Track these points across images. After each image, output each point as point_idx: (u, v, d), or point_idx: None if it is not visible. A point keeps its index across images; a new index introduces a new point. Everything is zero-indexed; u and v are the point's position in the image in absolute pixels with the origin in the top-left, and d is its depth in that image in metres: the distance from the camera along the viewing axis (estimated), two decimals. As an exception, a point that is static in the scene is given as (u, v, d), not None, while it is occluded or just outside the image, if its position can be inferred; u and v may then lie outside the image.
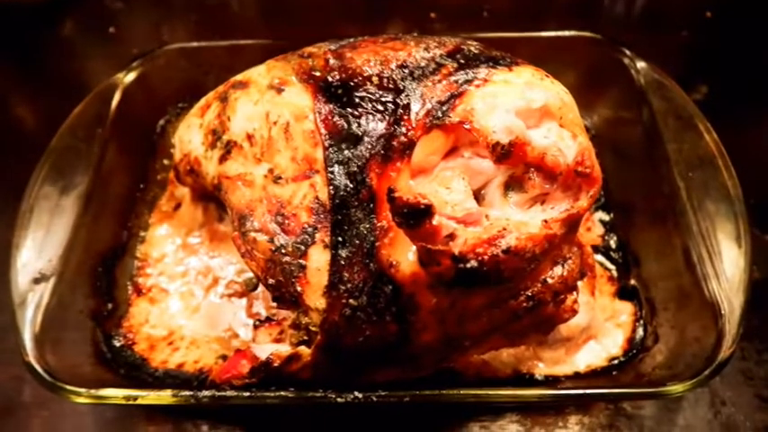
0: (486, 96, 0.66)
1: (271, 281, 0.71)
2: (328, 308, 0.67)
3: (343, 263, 0.67)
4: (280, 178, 0.72)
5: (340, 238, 0.67)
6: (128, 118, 0.96)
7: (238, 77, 0.82)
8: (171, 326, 0.85)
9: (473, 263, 0.60)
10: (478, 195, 0.69)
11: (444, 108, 0.67)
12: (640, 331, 0.83)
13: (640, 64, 0.93)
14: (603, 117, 1.02)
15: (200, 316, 0.86)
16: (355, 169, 0.68)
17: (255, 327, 0.73)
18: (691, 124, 0.88)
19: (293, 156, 0.72)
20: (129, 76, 0.98)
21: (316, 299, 0.68)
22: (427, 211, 0.59)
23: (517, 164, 0.64)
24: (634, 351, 0.81)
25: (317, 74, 0.74)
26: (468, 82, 0.68)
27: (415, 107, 0.68)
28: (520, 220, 0.62)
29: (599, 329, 0.81)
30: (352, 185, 0.68)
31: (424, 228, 0.60)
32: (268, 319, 0.73)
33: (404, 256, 0.65)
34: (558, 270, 0.66)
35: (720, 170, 0.85)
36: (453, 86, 0.68)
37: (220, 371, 0.73)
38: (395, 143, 0.67)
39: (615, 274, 0.88)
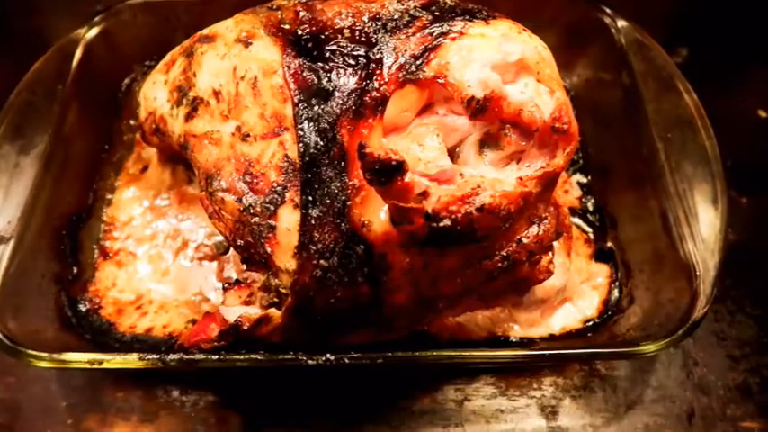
0: (461, 50, 0.64)
1: (239, 242, 0.69)
2: (298, 269, 0.65)
3: (313, 223, 0.65)
4: (248, 136, 0.70)
5: (310, 198, 0.65)
6: (90, 76, 0.92)
7: (205, 31, 0.78)
8: (139, 290, 0.83)
9: (446, 221, 0.58)
10: (453, 153, 0.67)
11: (418, 62, 0.65)
12: (616, 293, 0.83)
13: (621, 23, 0.91)
14: (583, 78, 1.00)
15: (169, 280, 0.84)
16: (326, 126, 0.65)
17: (225, 289, 0.71)
18: (670, 85, 0.87)
19: (261, 113, 0.69)
20: (92, 32, 0.94)
21: (286, 260, 0.66)
22: (399, 168, 0.57)
23: (492, 120, 0.62)
24: (609, 313, 0.81)
25: (287, 27, 0.71)
26: (443, 35, 0.65)
27: (387, 61, 0.66)
28: (495, 177, 0.60)
29: (575, 291, 0.81)
30: (322, 143, 0.65)
31: (395, 185, 0.58)
32: (237, 282, 0.71)
33: (375, 215, 0.63)
34: (533, 230, 0.64)
35: (699, 131, 0.84)
36: (428, 39, 0.65)
37: (189, 334, 0.71)
38: (367, 99, 0.65)
39: (592, 236, 0.87)
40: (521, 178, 0.60)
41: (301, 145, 0.66)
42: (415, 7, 0.68)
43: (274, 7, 0.75)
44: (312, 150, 0.65)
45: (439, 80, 0.63)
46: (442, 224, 0.58)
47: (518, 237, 0.64)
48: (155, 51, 1.01)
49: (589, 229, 0.88)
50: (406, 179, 0.58)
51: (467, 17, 0.67)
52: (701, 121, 0.84)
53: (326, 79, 0.67)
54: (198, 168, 0.74)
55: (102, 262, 0.85)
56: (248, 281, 0.70)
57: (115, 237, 0.87)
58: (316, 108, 0.66)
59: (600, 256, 0.86)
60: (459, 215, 0.58)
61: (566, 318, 0.80)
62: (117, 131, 0.96)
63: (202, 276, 0.84)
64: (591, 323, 0.81)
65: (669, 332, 0.72)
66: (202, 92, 0.74)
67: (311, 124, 0.66)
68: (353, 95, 0.65)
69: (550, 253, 0.68)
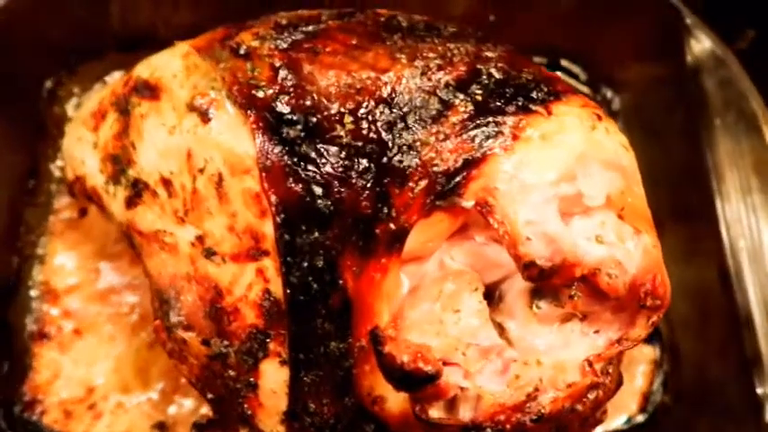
0: (515, 167, 0.45)
1: (210, 395, 0.53)
2: (289, 439, 0.51)
3: (307, 390, 0.49)
4: (214, 254, 0.51)
5: (302, 356, 0.49)
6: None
7: (143, 73, 0.55)
8: (89, 382, 0.68)
9: (489, 431, 0.44)
10: (494, 291, 0.51)
11: (454, 183, 0.45)
12: (659, 384, 0.71)
13: (701, 35, 0.70)
14: (640, 85, 0.80)
15: (126, 368, 0.69)
16: (321, 264, 0.48)
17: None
18: (753, 127, 0.68)
19: (230, 224, 0.50)
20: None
21: (272, 425, 0.51)
22: (431, 379, 0.41)
23: (556, 282, 0.45)
24: (650, 410, 0.70)
25: (261, 94, 0.49)
26: (488, 139, 0.46)
27: (409, 176, 0.46)
28: (555, 360, 0.45)
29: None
30: (317, 286, 0.48)
31: (424, 392, 0.42)
32: (211, 424, 0.57)
33: (391, 390, 0.48)
34: (591, 395, 0.50)
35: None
36: (467, 146, 0.46)
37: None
38: (378, 231, 0.46)
39: (635, 309, 0.74)
40: (589, 362, 0.45)
41: (288, 287, 0.48)
42: (447, 84, 0.47)
43: (241, 51, 0.52)
44: (303, 295, 0.48)
45: (485, 213, 0.44)
46: (483, 433, 0.44)
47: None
48: (82, 42, 0.76)
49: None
50: (440, 383, 0.42)
51: (521, 102, 0.47)
52: (789, 179, 0.67)
53: (322, 194, 0.47)
54: (148, 277, 0.56)
55: (39, 346, 0.69)
56: (225, 426, 0.56)
57: (52, 311, 0.70)
58: (306, 236, 0.48)
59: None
60: (508, 426, 0.43)
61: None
62: (41, 157, 0.75)
63: (170, 362, 0.69)
64: (632, 422, 0.69)
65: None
66: (147, 175, 0.54)
67: (301, 258, 0.48)
68: (360, 225, 0.47)
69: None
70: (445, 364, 0.43)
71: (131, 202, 0.55)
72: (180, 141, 0.52)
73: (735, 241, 0.68)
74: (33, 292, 0.70)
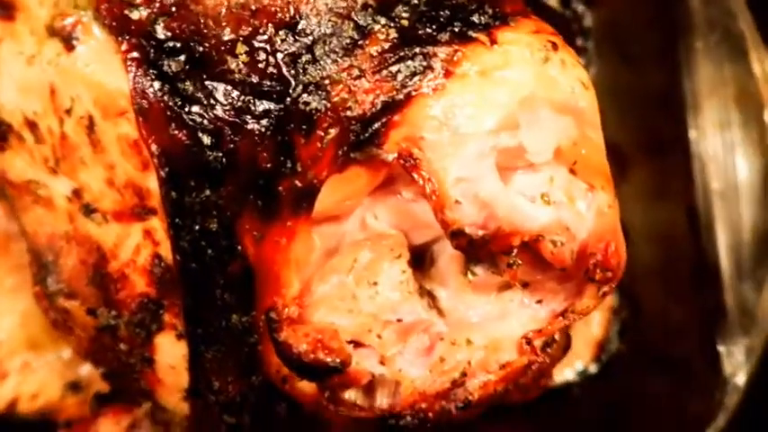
0: (447, 110, 0.36)
1: (102, 369, 0.47)
2: (195, 419, 0.45)
3: (209, 366, 0.43)
4: (93, 211, 0.43)
5: (200, 330, 0.42)
6: None
7: (-1, -16, 0.45)
8: (-7, 338, 0.62)
9: (409, 419, 0.38)
10: (425, 253, 0.44)
11: (371, 130, 0.37)
12: (616, 333, 0.66)
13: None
14: (610, 5, 0.69)
15: (33, 321, 0.62)
16: (216, 227, 0.40)
17: (92, 410, 0.51)
18: (739, 48, 0.60)
19: (109, 177, 0.42)
20: None
21: (174, 402, 0.45)
22: (335, 371, 0.34)
23: (492, 250, 0.38)
24: (604, 360, 0.66)
25: (136, 16, 0.39)
26: (415, 76, 0.37)
27: (318, 120, 0.38)
28: (487, 338, 0.38)
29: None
30: (212, 252, 0.40)
31: (331, 381, 0.36)
32: (114, 397, 0.51)
33: (303, 368, 0.42)
34: (534, 365, 0.45)
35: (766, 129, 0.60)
36: (388, 85, 0.37)
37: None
38: (281, 189, 0.38)
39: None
40: (527, 339, 0.38)
41: (178, 253, 0.40)
42: (365, 7, 0.37)
43: (113, -42, 0.42)
44: (195, 262, 0.40)
45: (408, 168, 0.36)
46: (402, 422, 0.38)
47: (510, 377, 0.45)
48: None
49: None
50: (349, 371, 0.36)
51: (458, 28, 0.38)
52: (771, 111, 0.59)
53: (212, 144, 0.38)
54: (24, 235, 0.48)
55: (-69, 302, 0.62)
56: (128, 401, 0.50)
57: (-56, 263, 0.62)
58: (196, 194, 0.39)
59: (602, 280, 0.67)
60: (431, 414, 0.38)
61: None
62: None
63: (78, 320, 0.63)
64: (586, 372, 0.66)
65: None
66: (8, 114, 0.44)
67: (192, 220, 0.40)
68: (259, 181, 0.38)
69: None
70: (357, 346, 0.37)
71: (-2, 147, 0.46)
72: (40, 74, 0.41)
73: (707, 181, 0.62)
74: None
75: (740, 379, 0.55)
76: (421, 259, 0.43)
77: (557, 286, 0.40)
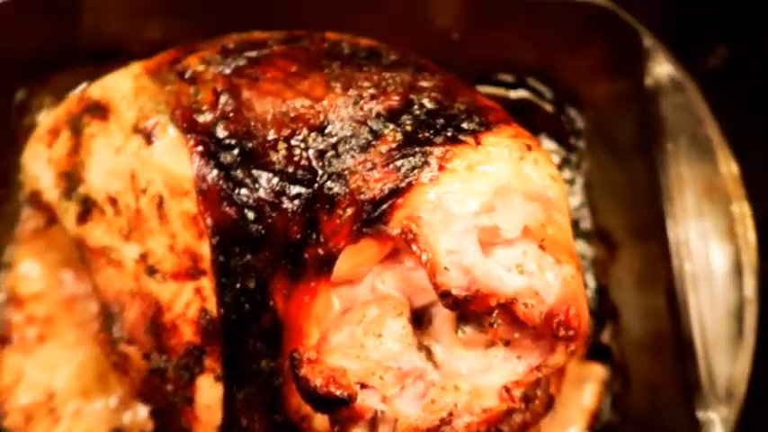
0: (440, 197, 0.46)
1: (150, 407, 0.55)
2: (224, 453, 0.53)
3: (239, 406, 0.51)
4: (155, 272, 0.53)
5: (234, 373, 0.51)
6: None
7: (95, 93, 0.57)
8: (50, 387, 0.70)
9: (405, 453, 0.45)
10: (423, 315, 0.52)
11: (380, 211, 0.47)
12: (608, 404, 0.72)
13: (659, 55, 0.70)
14: (597, 112, 0.80)
15: (87, 374, 0.71)
16: (253, 286, 0.49)
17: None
18: (708, 151, 0.69)
19: (171, 244, 0.52)
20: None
21: (208, 438, 0.53)
22: (344, 402, 0.42)
23: (474, 310, 0.46)
24: (597, 429, 0.71)
25: (201, 118, 0.51)
26: (415, 169, 0.47)
27: (338, 202, 0.48)
28: (472, 386, 0.46)
29: (558, 405, 0.69)
30: (249, 306, 0.49)
31: (339, 414, 0.44)
32: (155, 435, 0.59)
33: (318, 409, 0.49)
34: (517, 417, 0.52)
35: (732, 217, 0.68)
36: (394, 176, 0.47)
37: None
38: (307, 256, 0.48)
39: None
40: (507, 388, 0.46)
41: (221, 308, 0.50)
42: (378, 115, 0.48)
43: (187, 75, 0.54)
44: (235, 315, 0.50)
45: (408, 241, 0.46)
46: (399, 456, 0.45)
47: (497, 426, 0.52)
48: (52, 54, 0.78)
49: (585, 318, 0.75)
50: (355, 405, 0.43)
51: (450, 133, 0.48)
52: (737, 204, 0.67)
53: (254, 218, 0.49)
54: (96, 292, 0.58)
55: (2, 351, 0.71)
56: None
57: (17, 319, 0.72)
58: (239, 258, 0.49)
59: (594, 352, 0.74)
60: (423, 448, 0.45)
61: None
62: (11, 167, 0.77)
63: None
64: (576, 440, 0.71)
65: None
66: (95, 193, 0.55)
67: (234, 279, 0.50)
68: (290, 249, 0.48)
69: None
70: (363, 387, 0.44)
71: (82, 219, 0.57)
72: (125, 162, 0.53)
73: (683, 265, 0.69)
74: (-1, 299, 0.73)
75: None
76: (420, 319, 0.51)
77: (532, 344, 0.47)
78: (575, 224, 0.78)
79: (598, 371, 0.72)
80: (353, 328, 0.47)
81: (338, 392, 0.41)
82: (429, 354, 0.50)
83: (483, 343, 0.49)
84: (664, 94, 0.72)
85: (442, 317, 0.49)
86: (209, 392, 0.52)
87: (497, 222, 0.44)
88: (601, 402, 0.71)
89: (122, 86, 0.56)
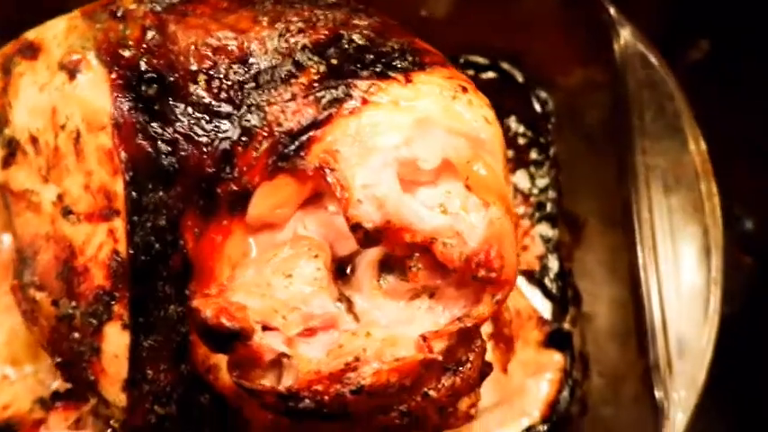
0: (358, 132, 0.43)
1: (58, 359, 0.52)
2: (129, 409, 0.49)
3: (146, 355, 0.47)
4: (70, 212, 0.50)
5: (141, 320, 0.47)
6: None
7: (30, 35, 0.55)
8: (-21, 352, 0.67)
9: (308, 402, 0.41)
10: (346, 264, 0.49)
11: (296, 144, 0.44)
12: (566, 394, 0.67)
13: (625, 32, 0.67)
14: (565, 92, 0.78)
15: (18, 339, 0.68)
16: (164, 224, 0.46)
17: (48, 407, 0.56)
18: (675, 128, 0.66)
19: (86, 183, 0.49)
20: None
21: (114, 393, 0.49)
22: (236, 335, 0.39)
23: (392, 248, 0.43)
24: (554, 420, 0.66)
25: (127, 53, 0.49)
26: (336, 102, 0.44)
27: (254, 135, 0.45)
28: (387, 333, 0.42)
29: (514, 392, 0.65)
30: (159, 246, 0.46)
31: (235, 353, 0.40)
32: (66, 396, 0.56)
33: (225, 358, 0.46)
34: (446, 380, 0.47)
35: (700, 196, 0.64)
36: (314, 107, 0.44)
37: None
38: (219, 191, 0.45)
39: (548, 314, 0.70)
40: (424, 338, 0.42)
41: (131, 247, 0.47)
42: (304, 47, 0.46)
43: (118, 13, 0.52)
44: (144, 255, 0.47)
45: (324, 175, 0.43)
46: (301, 405, 0.41)
47: (424, 389, 0.47)
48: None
49: (546, 304, 0.71)
50: (252, 344, 0.40)
51: (379, 69, 0.45)
52: (705, 183, 0.64)
53: (167, 152, 0.46)
54: (14, 238, 0.55)
55: (-67, 313, 0.69)
56: (78, 399, 0.54)
57: (-48, 279, 0.70)
58: (152, 195, 0.46)
59: (554, 339, 0.69)
60: (327, 397, 0.41)
61: (501, 422, 0.65)
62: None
63: (58, 339, 0.68)
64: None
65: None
66: (19, 133, 0.53)
67: (146, 217, 0.47)
68: (202, 184, 0.45)
69: (473, 393, 0.51)
70: (265, 328, 0.41)
71: (6, 162, 0.54)
72: (47, 98, 0.51)
73: (649, 250, 0.65)
74: (-65, 259, 0.70)
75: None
76: (343, 271, 0.48)
77: (456, 293, 0.43)
78: (540, 206, 0.74)
79: (557, 359, 0.68)
80: (262, 267, 0.43)
81: (229, 324, 0.37)
82: (350, 305, 0.46)
83: (406, 294, 0.45)
84: (632, 72, 0.69)
85: (365, 265, 0.46)
86: (116, 341, 0.48)
87: (415, 152, 0.41)
88: (559, 392, 0.67)
89: (57, 27, 0.54)
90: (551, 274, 0.72)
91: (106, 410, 0.52)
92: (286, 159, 0.44)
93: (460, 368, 0.47)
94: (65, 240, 0.50)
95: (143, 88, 0.48)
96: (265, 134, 0.44)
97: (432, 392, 0.47)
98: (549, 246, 0.73)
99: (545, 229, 0.74)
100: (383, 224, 0.40)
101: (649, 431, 0.59)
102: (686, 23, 0.87)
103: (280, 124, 0.44)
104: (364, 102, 0.44)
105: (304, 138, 0.43)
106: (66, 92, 0.50)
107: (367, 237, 0.40)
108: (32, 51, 0.54)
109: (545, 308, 0.70)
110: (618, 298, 0.67)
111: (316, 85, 0.44)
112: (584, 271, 0.71)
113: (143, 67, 0.48)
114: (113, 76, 0.48)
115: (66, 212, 0.50)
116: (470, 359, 0.48)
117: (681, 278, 0.61)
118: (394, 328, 0.44)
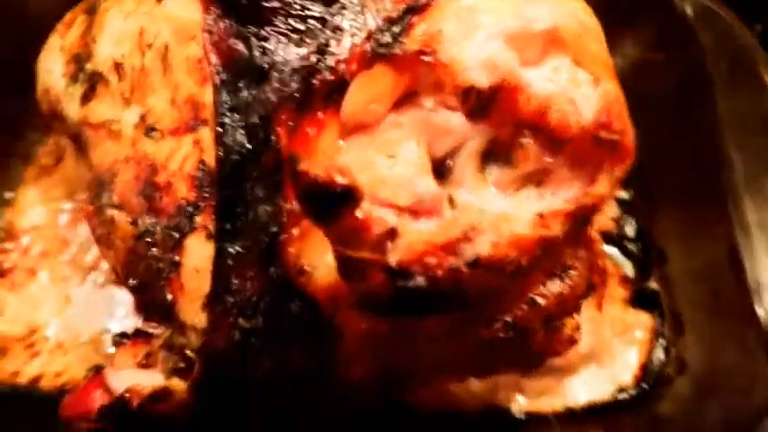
0: (460, 12, 0.42)
1: (132, 281, 0.49)
2: (210, 327, 0.45)
3: (231, 263, 0.44)
4: (153, 129, 0.49)
5: (228, 226, 0.45)
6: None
7: (115, -19, 0.58)
8: (33, 322, 0.64)
9: (420, 279, 0.38)
10: (444, 167, 0.46)
11: (395, 29, 0.43)
12: (660, 354, 0.62)
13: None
14: (629, 59, 0.77)
15: (72, 310, 0.65)
16: (257, 121, 0.45)
17: (116, 344, 0.52)
18: (752, 73, 0.65)
19: (173, 97, 0.49)
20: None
21: (193, 313, 0.46)
22: (347, 197, 0.36)
23: (502, 123, 0.41)
24: (650, 382, 0.60)
25: (214, -23, 0.50)
26: (434, -10, 0.44)
27: (350, 26, 0.45)
28: (501, 211, 0.40)
29: (606, 349, 0.60)
30: (250, 146, 0.45)
31: (343, 222, 0.37)
32: (135, 334, 0.52)
33: (320, 257, 0.42)
34: (553, 286, 0.44)
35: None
36: (410, -4, 0.44)
37: (70, 402, 0.52)
38: (316, 82, 0.44)
39: (631, 273, 0.66)
40: (541, 215, 0.39)
41: (221, 147, 0.45)
42: (395, -52, 0.47)
43: (203, -51, 0.54)
44: (235, 156, 0.45)
45: (425, 57, 0.42)
46: (412, 283, 0.38)
47: (531, 296, 0.44)
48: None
49: (627, 263, 0.67)
50: (360, 213, 0.37)
51: (471, -35, 0.46)
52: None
53: (261, 51, 0.45)
54: (91, 170, 0.54)
55: (-10, 282, 0.66)
56: (149, 333, 0.50)
57: (10, 249, 0.67)
58: (245, 93, 0.45)
59: (640, 300, 0.65)
60: (440, 272, 0.38)
61: (591, 386, 0.60)
62: (29, 112, 0.76)
63: (115, 307, 0.64)
64: (625, 395, 0.60)
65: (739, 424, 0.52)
66: (101, 64, 0.53)
67: (237, 118, 0.45)
68: (297, 77, 0.44)
69: (576, 315, 0.47)
70: (371, 200, 0.38)
71: (86, 98, 0.54)
72: (134, 24, 0.51)
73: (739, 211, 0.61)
74: (-5, 230, 0.68)
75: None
76: (441, 173, 0.46)
77: (569, 173, 0.41)
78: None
79: (645, 319, 0.63)
80: (364, 147, 0.41)
81: (342, 180, 0.35)
82: (451, 203, 0.43)
83: (512, 183, 0.43)
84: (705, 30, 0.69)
85: (465, 158, 0.43)
86: (198, 253, 0.45)
87: (525, 15, 0.39)
88: (650, 353, 0.61)
89: (141, -30, 0.56)
90: (629, 235, 0.69)
91: (181, 339, 0.48)
92: (385, 46, 0.43)
93: (567, 274, 0.44)
94: (146, 159, 0.49)
95: (233, 0, 0.48)
96: (362, 24, 0.44)
97: (539, 299, 0.43)
98: (624, 208, 0.70)
99: (618, 191, 0.71)
100: (498, 82, 0.38)
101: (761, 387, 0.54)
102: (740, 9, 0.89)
103: (378, 13, 0.44)
104: (463, -11, 0.44)
105: (403, 23, 0.43)
106: (155, 13, 0.51)
107: (480, 99, 0.38)
108: (118, -9, 0.56)
109: (627, 268, 0.66)
110: (707, 255, 0.63)
111: (411, -23, 0.45)
112: (667, 232, 0.68)
113: (233, -17, 0.49)
114: (203, -8, 0.49)
115: (150, 130, 0.49)
116: (577, 266, 0.45)
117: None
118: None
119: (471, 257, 0.37)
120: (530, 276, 0.41)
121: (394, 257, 0.37)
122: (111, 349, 0.62)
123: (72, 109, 0.56)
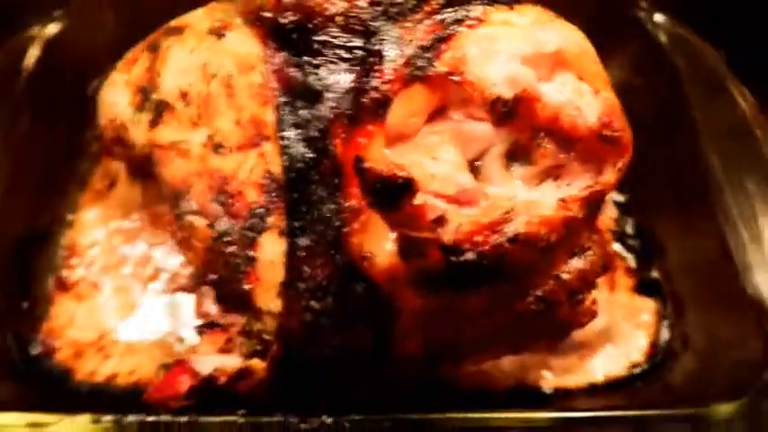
0: (481, 40, 0.51)
1: (212, 276, 0.56)
2: (285, 311, 0.53)
3: (302, 254, 0.52)
4: (221, 146, 0.57)
5: (297, 223, 0.52)
6: (50, 78, 0.79)
7: (173, 23, 0.65)
8: (102, 328, 0.70)
9: (469, 254, 0.46)
10: (473, 168, 0.55)
11: (428, 55, 0.52)
12: (666, 333, 0.70)
13: (658, 17, 0.78)
14: (614, 80, 0.86)
15: (137, 316, 0.71)
16: (315, 134, 0.53)
17: (199, 333, 0.59)
18: (721, 88, 0.74)
19: (237, 118, 0.57)
20: (51, 28, 0.82)
21: (269, 300, 0.53)
22: (407, 187, 0.44)
23: (523, 127, 0.49)
24: (659, 357, 0.68)
25: (267, 15, 0.59)
26: (458, 22, 0.53)
27: (390, 54, 0.53)
28: (529, 198, 0.48)
29: (618, 331, 0.68)
30: (311, 155, 0.53)
31: (404, 209, 0.45)
32: (214, 325, 0.59)
33: (379, 245, 0.50)
34: (575, 263, 0.52)
35: (758, 141, 0.71)
36: (439, 27, 0.53)
37: (156, 388, 0.58)
38: (365, 100, 0.52)
39: (633, 264, 0.74)
40: (563, 200, 0.47)
41: (285, 157, 0.53)
42: (423, -14, 0.56)
43: (254, -9, 0.63)
44: (298, 164, 0.53)
45: (454, 77, 0.50)
46: (464, 258, 0.46)
47: (556, 272, 0.52)
48: (127, 48, 0.89)
49: (630, 256, 0.75)
50: (417, 201, 0.45)
51: (486, 1, 0.55)
52: (760, 130, 0.71)
53: (315, 76, 0.54)
54: (164, 186, 0.61)
55: (58, 295, 0.72)
56: (226, 323, 0.57)
57: (74, 264, 0.74)
58: (302, 112, 0.53)
59: (644, 288, 0.73)
60: (487, 247, 0.45)
61: (608, 363, 0.67)
62: (84, 142, 0.84)
63: (177, 312, 0.71)
64: (638, 369, 0.67)
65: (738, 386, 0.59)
66: (168, 93, 0.61)
67: (297, 132, 0.53)
68: (348, 96, 0.53)
69: (593, 291, 0.55)
70: (423, 191, 0.46)
71: (154, 123, 0.62)
72: (197, 58, 0.60)
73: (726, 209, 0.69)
74: (59, 248, 0.75)
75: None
76: (472, 173, 0.54)
77: (580, 167, 0.49)
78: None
79: (650, 304, 0.71)
80: (407, 152, 0.49)
81: (400, 173, 0.43)
82: (485, 194, 0.51)
83: (534, 178, 0.51)
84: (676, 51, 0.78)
85: (492, 159, 0.52)
86: (272, 248, 0.53)
87: (536, 38, 0.48)
88: (657, 333, 0.69)
89: (196, 12, 0.64)
90: (629, 233, 0.77)
91: (258, 325, 0.55)
92: (420, 68, 0.51)
93: (585, 254, 0.52)
94: (217, 171, 0.57)
95: (287, 35, 0.56)
96: (399, 52, 0.52)
97: (564, 275, 0.51)
98: (621, 209, 0.79)
99: (614, 194, 0.79)
100: (520, 93, 0.47)
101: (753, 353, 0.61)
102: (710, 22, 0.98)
103: (412, 42, 0.52)
104: (480, 20, 0.52)
105: (434, 50, 0.51)
106: (217, 48, 0.59)
107: (506, 107, 0.47)
108: (177, 31, 0.64)
109: (630, 260, 0.74)
110: (700, 246, 0.71)
111: (438, 10, 0.53)
112: (663, 227, 0.76)
113: (284, 21, 0.57)
114: (260, 31, 0.57)
115: (218, 147, 0.57)
116: (592, 247, 0.53)
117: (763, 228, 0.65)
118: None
119: (512, 233, 0.45)
120: (556, 254, 0.49)
121: (447, 237, 0.45)
122: (180, 348, 0.68)
123: (139, 134, 0.64)
